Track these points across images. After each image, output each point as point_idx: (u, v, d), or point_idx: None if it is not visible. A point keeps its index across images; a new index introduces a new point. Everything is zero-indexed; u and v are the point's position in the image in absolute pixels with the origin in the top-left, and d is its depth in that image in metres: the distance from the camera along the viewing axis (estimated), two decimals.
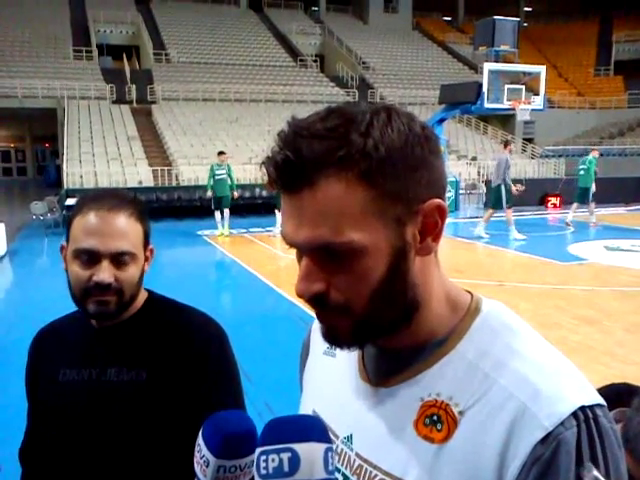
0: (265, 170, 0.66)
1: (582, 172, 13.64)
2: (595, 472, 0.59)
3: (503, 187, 11.79)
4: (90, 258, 1.19)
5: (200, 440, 0.74)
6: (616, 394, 1.23)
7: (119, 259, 1.21)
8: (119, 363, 1.26)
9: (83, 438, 1.24)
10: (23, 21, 29.47)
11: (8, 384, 1.74)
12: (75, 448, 1.24)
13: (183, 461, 1.16)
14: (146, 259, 1.30)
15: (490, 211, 12.36)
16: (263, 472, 0.61)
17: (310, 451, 0.61)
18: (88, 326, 1.30)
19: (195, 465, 0.74)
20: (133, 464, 1.22)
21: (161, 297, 1.38)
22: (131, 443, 1.22)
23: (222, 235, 12.60)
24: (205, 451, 0.72)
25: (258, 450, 0.63)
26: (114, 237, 1.20)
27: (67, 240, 1.25)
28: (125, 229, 1.22)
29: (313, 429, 0.64)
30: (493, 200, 12.12)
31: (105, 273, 1.18)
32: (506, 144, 12.60)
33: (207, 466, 0.72)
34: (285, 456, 0.61)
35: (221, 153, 12.72)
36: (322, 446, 0.62)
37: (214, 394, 1.24)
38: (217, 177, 12.43)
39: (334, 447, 0.78)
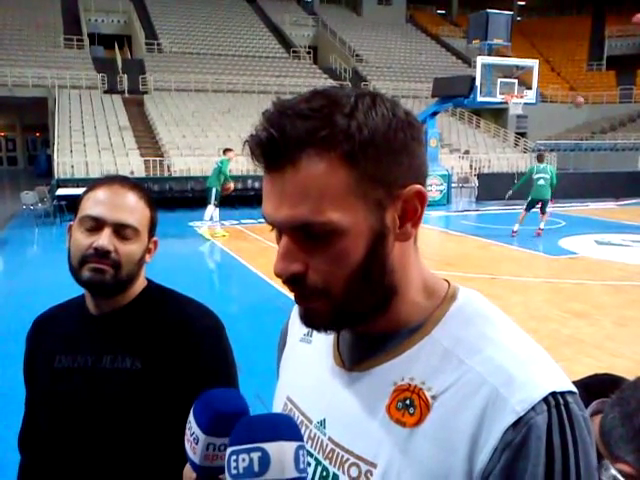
0: (248, 147, 0.65)
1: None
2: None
3: None
4: (94, 225, 1.21)
5: (191, 417, 0.73)
6: (599, 384, 1.24)
7: (122, 231, 1.22)
8: (115, 351, 1.25)
9: (78, 425, 1.24)
10: (13, 9, 29.17)
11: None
12: (70, 435, 1.24)
13: (176, 450, 1.15)
14: (149, 251, 1.31)
15: None
16: (234, 472, 0.61)
17: (280, 450, 0.61)
18: (86, 312, 1.29)
19: (185, 443, 0.73)
20: (127, 452, 1.22)
21: (159, 286, 1.37)
22: (125, 431, 1.21)
23: (223, 235, 11.78)
24: (195, 428, 0.71)
25: (229, 450, 0.63)
26: (121, 208, 1.22)
27: (75, 219, 1.27)
28: (133, 205, 1.24)
29: (284, 428, 0.64)
30: None
31: (105, 240, 1.19)
32: None
33: (197, 443, 0.71)
34: (255, 455, 0.61)
35: (228, 150, 12.30)
36: (293, 444, 0.62)
37: (208, 386, 1.23)
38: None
39: (308, 432, 0.78)
